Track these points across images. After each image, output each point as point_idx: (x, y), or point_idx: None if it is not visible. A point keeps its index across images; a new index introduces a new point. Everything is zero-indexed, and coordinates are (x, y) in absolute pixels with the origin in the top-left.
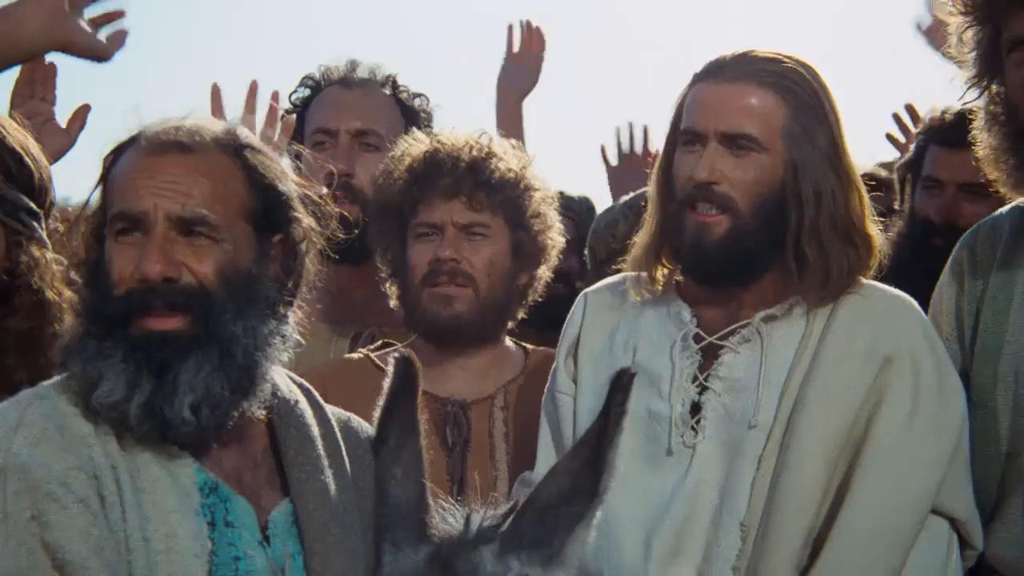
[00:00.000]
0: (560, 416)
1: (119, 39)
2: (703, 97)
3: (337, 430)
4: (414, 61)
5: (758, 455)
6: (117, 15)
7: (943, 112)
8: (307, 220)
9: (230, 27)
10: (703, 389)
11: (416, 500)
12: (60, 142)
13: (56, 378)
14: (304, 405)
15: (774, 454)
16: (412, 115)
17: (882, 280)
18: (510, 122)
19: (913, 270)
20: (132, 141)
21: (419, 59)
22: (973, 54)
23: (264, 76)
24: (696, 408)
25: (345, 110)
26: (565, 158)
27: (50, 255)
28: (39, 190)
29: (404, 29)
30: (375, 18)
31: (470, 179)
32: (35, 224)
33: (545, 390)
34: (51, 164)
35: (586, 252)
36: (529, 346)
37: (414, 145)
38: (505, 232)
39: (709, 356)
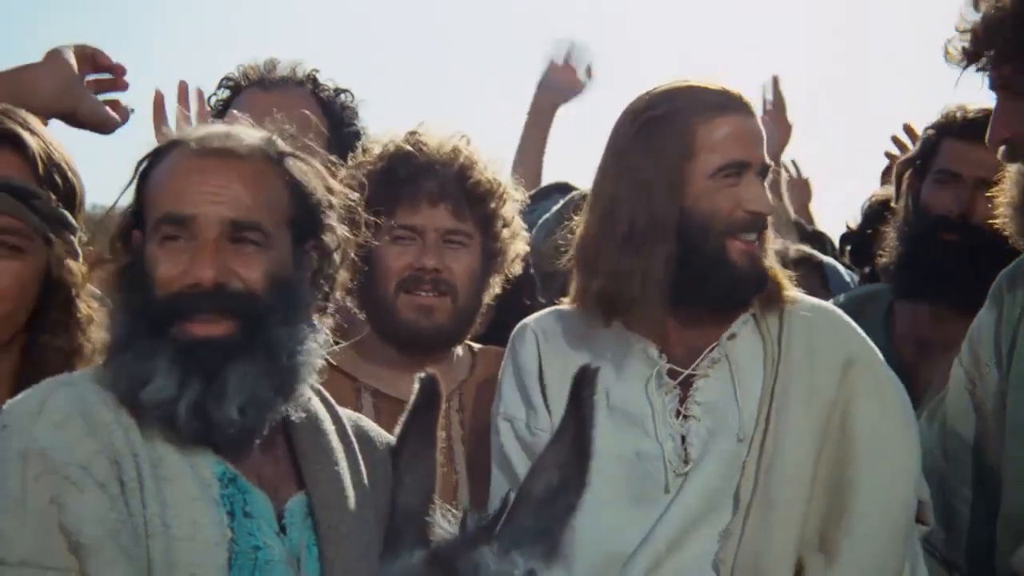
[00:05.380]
0: (537, 452)
1: (124, 114)
2: (738, 128)
3: (349, 429)
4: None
5: (741, 464)
6: (119, 76)
7: (959, 108)
8: (341, 228)
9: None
10: (684, 419)
11: (420, 508)
12: None
13: (81, 369)
14: (317, 403)
15: (755, 460)
16: (334, 113)
17: (888, 275)
18: (538, 120)
19: (922, 265)
20: (172, 146)
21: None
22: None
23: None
24: (681, 439)
25: (262, 113)
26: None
27: (84, 268)
28: (78, 205)
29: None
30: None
31: (457, 186)
32: (72, 238)
33: (509, 419)
34: None
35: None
36: (475, 345)
37: (392, 142)
38: (479, 240)
39: (682, 386)
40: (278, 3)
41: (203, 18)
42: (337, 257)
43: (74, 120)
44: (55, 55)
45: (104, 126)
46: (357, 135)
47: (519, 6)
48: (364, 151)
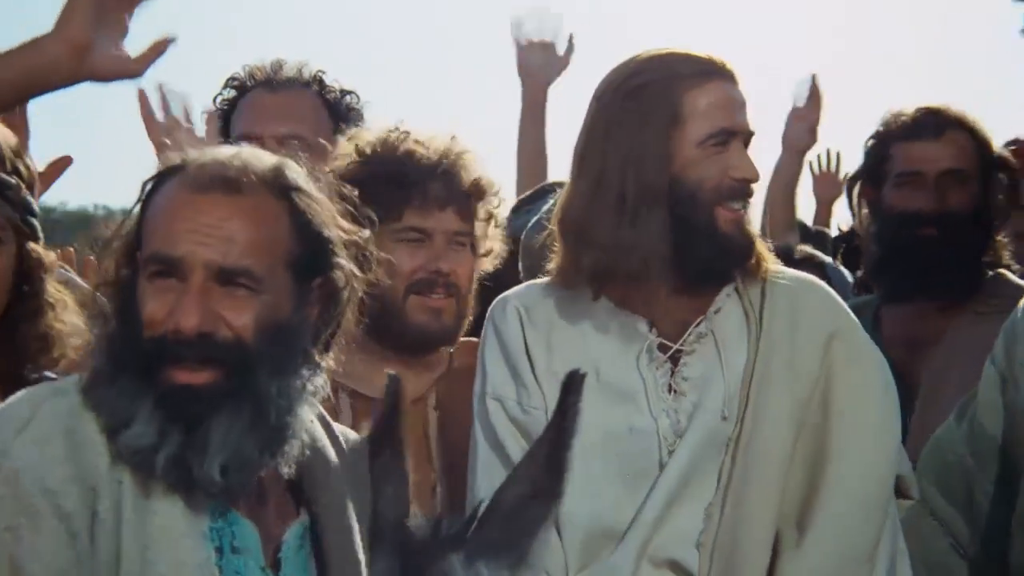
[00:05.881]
0: (531, 431)
1: (158, 50)
2: (725, 95)
3: (344, 445)
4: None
5: (725, 442)
6: (164, 44)
7: (895, 114)
8: (349, 266)
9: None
10: (675, 394)
11: (398, 517)
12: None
13: (79, 375)
14: (316, 423)
15: (735, 437)
16: (340, 114)
17: (873, 282)
18: (528, 112)
19: (906, 265)
20: (175, 170)
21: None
22: None
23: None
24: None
25: (269, 115)
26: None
27: (51, 255)
28: (35, 191)
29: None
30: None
31: (460, 188)
32: (35, 223)
33: (499, 398)
34: None
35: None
36: None
37: (383, 142)
38: (473, 239)
39: (671, 361)
40: (278, 3)
41: (203, 18)
42: (345, 295)
43: (101, 80)
44: (65, 18)
45: (129, 76)
46: (356, 113)
47: (519, 6)
48: (356, 150)
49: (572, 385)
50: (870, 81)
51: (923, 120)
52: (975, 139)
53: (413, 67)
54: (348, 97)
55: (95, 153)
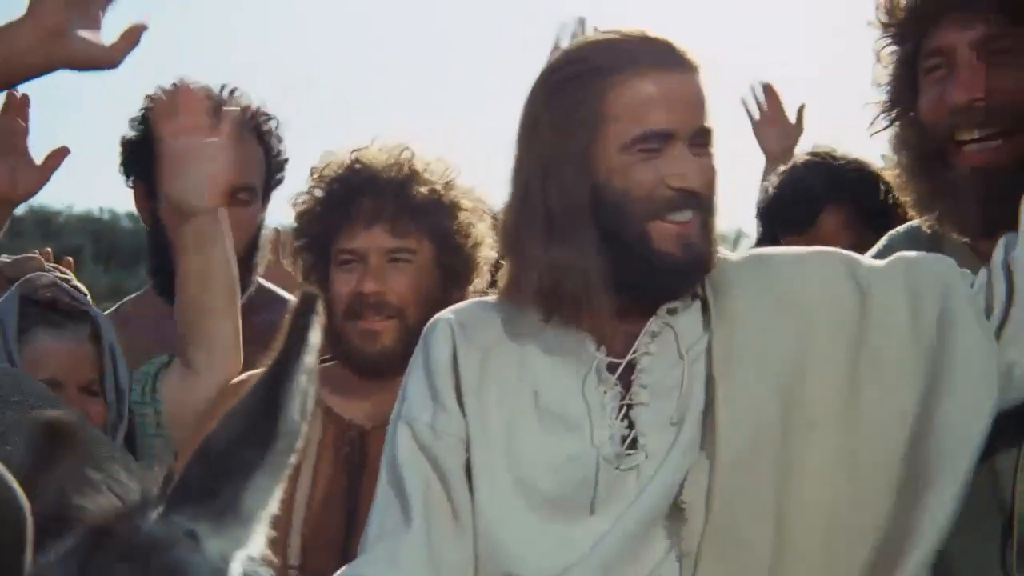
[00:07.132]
0: (440, 457)
1: (132, 37)
2: (661, 90)
3: None
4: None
5: (697, 440)
6: (139, 30)
7: (772, 195)
8: None
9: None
10: (630, 409)
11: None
12: (32, 181)
13: None
14: None
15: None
16: (263, 137)
17: None
18: None
19: None
20: None
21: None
22: (890, 76)
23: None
24: (622, 439)
25: None
26: None
27: None
28: None
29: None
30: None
31: (392, 203)
32: None
33: (410, 421)
34: (19, 203)
35: None
36: None
37: (331, 164)
38: (432, 254)
39: (624, 373)
40: (278, 3)
41: (203, 18)
42: None
43: (76, 68)
44: (38, 2)
45: (107, 64)
46: (280, 140)
47: (519, 6)
48: (312, 173)
49: (304, 307)
50: (870, 81)
51: (798, 212)
52: (854, 207)
53: (413, 67)
54: (264, 119)
55: (101, 156)
